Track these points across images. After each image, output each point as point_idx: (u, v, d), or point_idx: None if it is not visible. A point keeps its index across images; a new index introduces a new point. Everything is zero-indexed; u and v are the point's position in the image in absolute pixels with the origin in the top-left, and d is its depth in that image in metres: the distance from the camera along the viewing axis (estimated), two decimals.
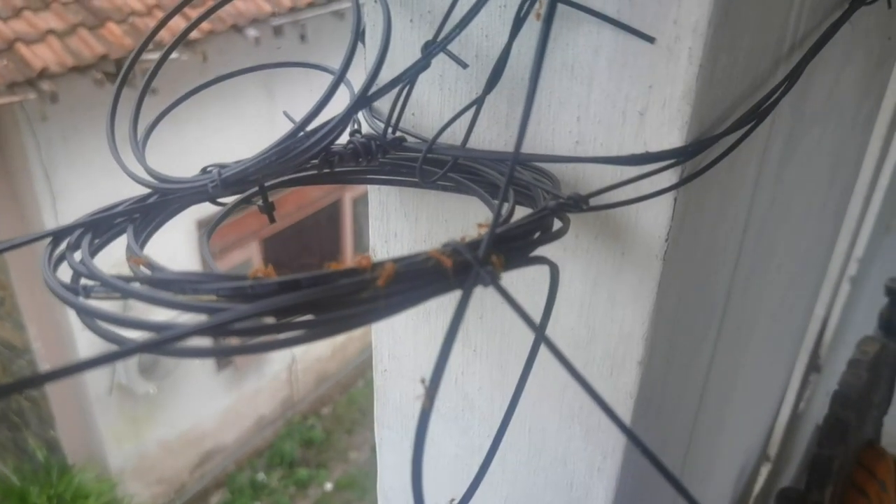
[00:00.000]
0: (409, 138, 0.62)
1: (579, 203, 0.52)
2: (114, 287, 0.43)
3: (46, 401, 4.50)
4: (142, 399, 4.72)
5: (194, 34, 3.85)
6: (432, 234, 0.69)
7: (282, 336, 0.42)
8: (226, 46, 3.99)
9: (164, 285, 0.44)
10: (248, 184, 0.55)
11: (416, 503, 0.51)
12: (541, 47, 0.49)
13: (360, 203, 5.84)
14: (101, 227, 0.52)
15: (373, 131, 0.62)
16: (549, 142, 0.59)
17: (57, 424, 4.58)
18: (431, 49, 0.55)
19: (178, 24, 3.91)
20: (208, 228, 0.53)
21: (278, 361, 5.63)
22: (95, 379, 4.49)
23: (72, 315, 3.58)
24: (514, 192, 0.56)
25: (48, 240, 0.52)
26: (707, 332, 0.78)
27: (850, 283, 1.31)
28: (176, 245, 4.50)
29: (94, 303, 0.45)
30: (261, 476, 5.39)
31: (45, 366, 4.26)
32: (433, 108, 0.64)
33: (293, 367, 5.75)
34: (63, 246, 0.50)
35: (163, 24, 0.68)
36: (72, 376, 0.35)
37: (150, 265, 0.45)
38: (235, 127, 4.54)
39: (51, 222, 3.95)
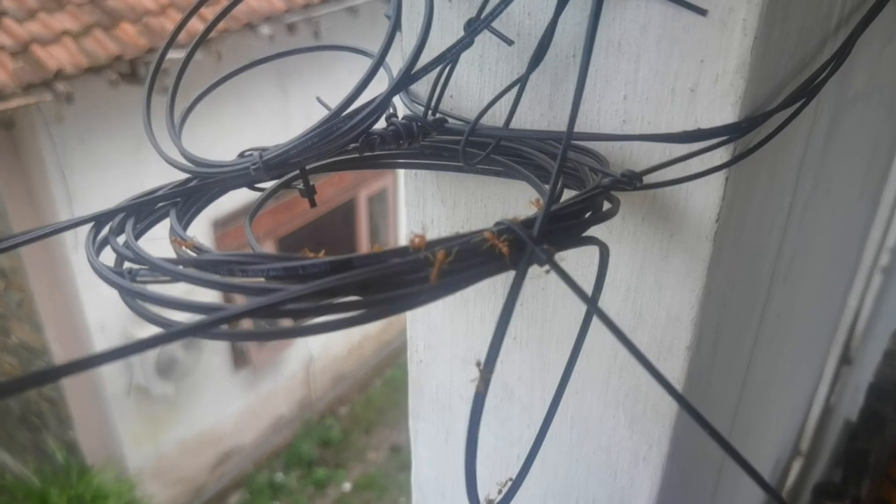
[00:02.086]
0: (450, 120, 0.60)
1: (633, 180, 0.50)
2: (162, 269, 0.41)
3: (65, 402, 4.51)
4: (160, 400, 4.73)
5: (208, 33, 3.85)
6: (471, 221, 0.68)
7: (337, 317, 0.40)
8: (240, 45, 3.98)
9: (213, 267, 0.42)
10: (289, 167, 0.53)
11: (470, 495, 0.50)
12: (593, 22, 0.47)
13: (376, 201, 5.83)
14: (143, 212, 0.51)
15: (411, 115, 0.61)
16: (595, 121, 0.58)
17: (76, 425, 4.59)
18: (476, 26, 0.54)
19: (192, 24, 3.92)
20: (251, 212, 0.52)
21: (295, 361, 5.63)
22: (113, 380, 4.50)
23: (89, 316, 3.59)
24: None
25: (88, 226, 0.51)
26: (751, 318, 0.76)
27: (882, 274, 1.28)
28: None
29: (140, 286, 0.44)
30: (279, 476, 5.39)
31: None
32: (473, 89, 0.63)
33: (310, 366, 5.75)
34: (105, 230, 0.49)
35: (185, 22, 0.67)
36: (120, 360, 0.34)
37: (197, 247, 0.44)
38: (250, 127, 4.54)
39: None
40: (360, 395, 6.10)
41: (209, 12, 4.00)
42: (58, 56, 3.54)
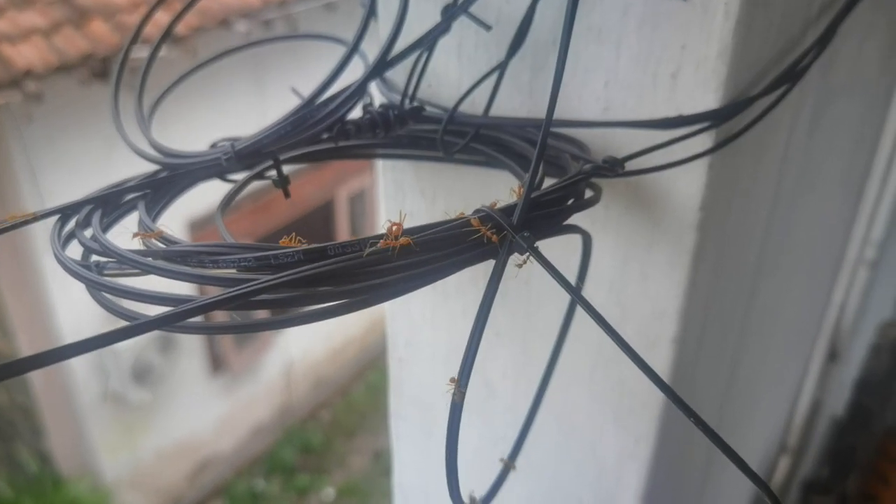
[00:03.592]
0: (428, 109, 0.59)
1: (615, 166, 0.49)
2: (131, 262, 0.40)
3: (38, 411, 4.43)
4: (136, 407, 4.66)
5: (182, 30, 3.80)
6: (450, 213, 0.66)
7: (312, 308, 0.39)
8: (215, 42, 3.94)
9: (182, 258, 0.41)
10: (262, 157, 0.52)
11: (452, 495, 0.49)
12: (571, 8, 0.46)
13: (357, 201, 5.79)
14: (110, 204, 0.49)
15: (387, 104, 0.59)
16: (576, 108, 0.57)
17: (49, 435, 4.51)
18: (452, 12, 0.52)
19: (159, 18, 3.86)
20: (222, 203, 0.50)
21: (275, 366, 5.58)
22: (88, 387, 4.43)
23: (62, 321, 3.52)
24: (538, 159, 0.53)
25: (53, 220, 0.49)
26: (736, 312, 0.75)
27: (867, 268, 1.28)
28: None
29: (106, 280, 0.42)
30: (260, 484, 5.33)
31: (34, 374, 4.21)
32: (451, 77, 0.61)
33: (290, 371, 5.70)
34: (72, 223, 0.47)
35: (148, 16, 0.65)
36: (86, 352, 0.32)
37: (166, 239, 0.42)
38: (225, 125, 4.48)
39: (39, 225, 3.90)
40: (341, 399, 6.06)
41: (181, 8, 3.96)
42: (26, 54, 3.46)
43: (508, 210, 0.43)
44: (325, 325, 5.87)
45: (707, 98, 0.52)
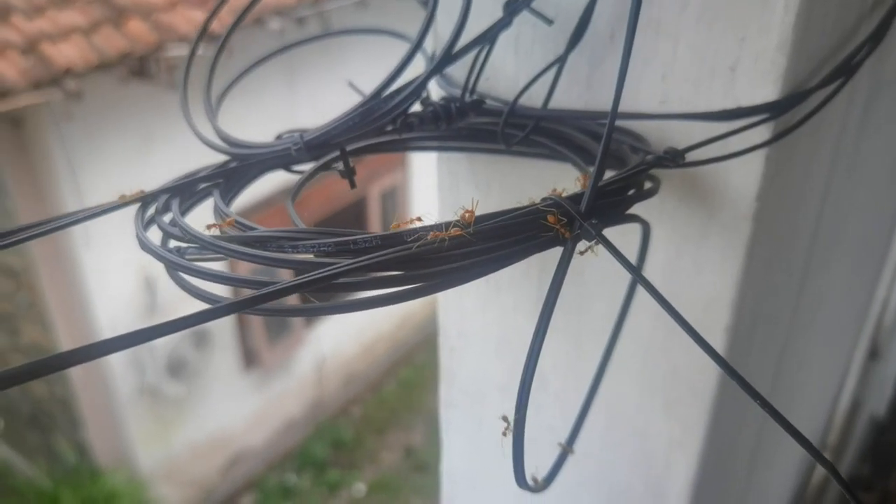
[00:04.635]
0: (487, 102, 0.60)
1: (676, 157, 0.50)
2: (214, 247, 0.41)
3: (76, 403, 4.52)
4: (171, 400, 4.73)
5: (217, 28, 3.85)
6: (504, 204, 0.68)
7: (391, 291, 0.40)
8: (249, 39, 3.98)
9: (261, 243, 0.42)
10: (330, 148, 0.53)
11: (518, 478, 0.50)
12: (636, 2, 0.47)
13: (388, 198, 5.82)
14: (185, 193, 0.51)
15: (448, 97, 0.61)
16: (633, 102, 0.58)
17: (87, 426, 4.59)
18: (515, 7, 0.54)
19: (195, 16, 3.91)
20: (293, 192, 0.52)
21: (307, 362, 5.63)
22: (125, 380, 4.50)
23: (100, 316, 3.57)
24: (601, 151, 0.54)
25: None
26: (786, 305, 0.75)
27: None
28: None
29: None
30: (291, 478, 5.39)
31: (73, 367, 4.27)
32: (508, 71, 0.62)
33: (322, 367, 5.75)
34: (152, 210, 0.49)
35: (217, 10, 0.67)
36: (164, 336, 0.34)
37: (243, 225, 0.44)
38: (256, 122, 4.52)
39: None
40: (372, 395, 6.09)
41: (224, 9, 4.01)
42: (67, 53, 3.52)
43: (575, 198, 0.45)
44: (356, 321, 5.92)
45: (765, 90, 0.53)
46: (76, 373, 4.36)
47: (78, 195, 3.92)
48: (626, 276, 0.62)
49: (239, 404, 5.28)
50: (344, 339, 5.91)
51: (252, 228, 0.44)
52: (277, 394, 5.53)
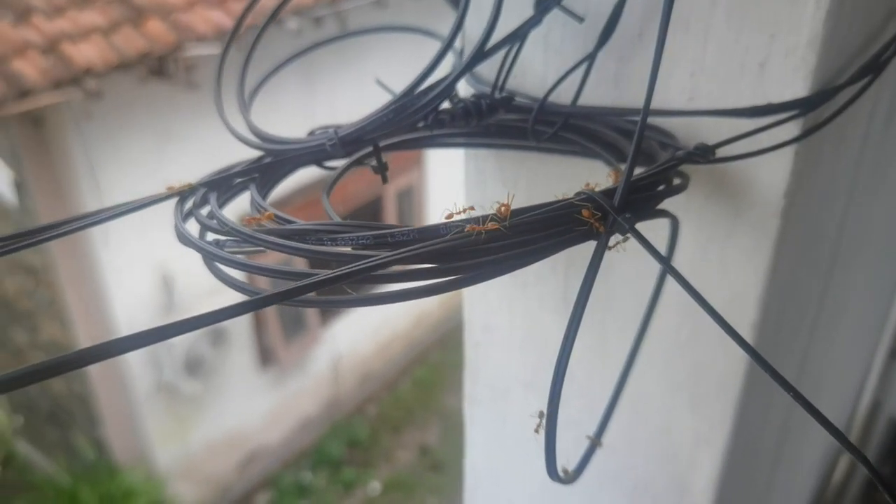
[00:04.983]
0: (516, 99, 0.61)
1: (707, 153, 0.51)
2: (255, 240, 0.42)
3: (95, 400, 4.56)
4: (187, 398, 4.77)
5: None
6: (531, 200, 0.68)
7: (428, 283, 0.41)
8: (267, 39, 4.00)
9: (300, 236, 0.43)
10: (363, 144, 0.54)
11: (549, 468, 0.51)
12: (668, 1, 0.47)
13: (404, 197, 5.83)
14: (221, 187, 0.52)
15: (479, 93, 0.61)
16: (661, 98, 0.58)
17: (105, 423, 4.63)
18: (546, 5, 0.54)
19: (213, 16, 3.94)
20: (327, 187, 0.53)
21: (323, 360, 5.65)
22: (142, 377, 4.54)
23: (118, 313, 3.59)
24: (629, 147, 0.55)
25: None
26: (811, 302, 0.76)
27: None
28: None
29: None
30: (307, 476, 5.41)
31: (93, 366, 4.33)
32: (537, 69, 0.63)
33: (338, 365, 5.77)
34: (189, 204, 0.50)
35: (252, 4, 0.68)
36: (199, 328, 0.34)
37: (282, 218, 0.45)
38: (276, 121, 4.54)
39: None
40: (388, 394, 6.11)
41: (238, 7, 4.04)
42: (87, 53, 3.56)
43: (608, 193, 0.45)
44: (371, 320, 5.93)
45: (795, 87, 0.53)
46: (94, 370, 4.40)
47: (97, 193, 3.96)
48: (653, 273, 0.63)
49: (255, 402, 5.31)
50: (360, 337, 5.93)
51: (291, 222, 0.45)
52: (293, 392, 5.55)
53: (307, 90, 4.73)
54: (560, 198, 0.46)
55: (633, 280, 0.66)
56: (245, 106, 0.58)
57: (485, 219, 0.40)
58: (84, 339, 4.37)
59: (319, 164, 0.58)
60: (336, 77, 4.73)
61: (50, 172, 3.97)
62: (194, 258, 0.46)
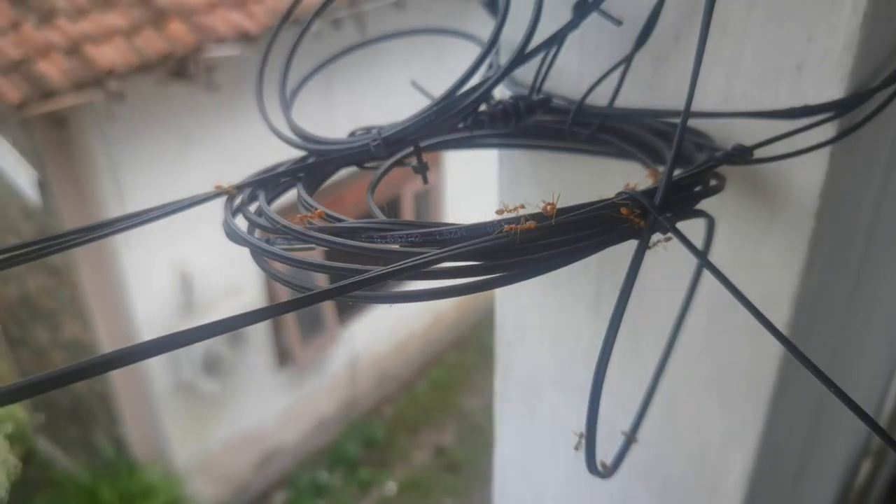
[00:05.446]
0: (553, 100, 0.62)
1: (745, 154, 0.51)
2: (307, 236, 0.43)
3: (115, 398, 4.60)
4: (206, 397, 4.80)
5: (255, 29, 3.91)
6: (565, 201, 0.69)
7: (478, 279, 0.42)
8: (285, 41, 4.03)
9: (350, 234, 0.44)
10: (405, 144, 0.55)
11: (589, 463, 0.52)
12: (709, 3, 0.48)
13: (422, 199, 5.85)
14: (268, 186, 0.53)
15: (517, 95, 0.62)
16: (697, 99, 0.59)
17: (125, 421, 4.68)
18: (585, 8, 0.55)
19: (234, 18, 3.97)
20: (371, 185, 0.54)
21: (339, 360, 5.67)
22: (162, 376, 4.58)
23: (138, 312, 3.63)
24: (666, 148, 0.56)
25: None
26: (841, 303, 0.76)
27: None
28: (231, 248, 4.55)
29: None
30: (323, 476, 5.44)
31: None
32: (572, 72, 0.64)
33: (355, 366, 5.79)
34: (237, 202, 0.51)
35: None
36: (256, 323, 0.35)
37: (332, 217, 0.46)
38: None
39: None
40: (404, 394, 6.13)
41: (256, 9, 4.07)
42: (109, 54, 3.60)
43: (649, 193, 0.46)
44: (388, 321, 5.95)
45: (832, 89, 0.54)
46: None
47: (118, 194, 4.00)
48: (683, 272, 0.64)
49: (272, 402, 5.34)
50: (376, 338, 5.95)
51: (341, 220, 0.46)
52: (310, 392, 5.58)
53: (326, 93, 4.76)
54: (600, 198, 0.47)
55: (665, 278, 0.67)
56: (287, 106, 0.59)
57: (531, 217, 0.41)
58: (105, 337, 4.42)
59: (360, 164, 0.59)
60: (352, 81, 4.75)
61: (72, 173, 4.01)
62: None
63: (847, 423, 1.16)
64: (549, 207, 0.43)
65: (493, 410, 0.86)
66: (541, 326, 0.77)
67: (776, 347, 0.64)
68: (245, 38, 3.92)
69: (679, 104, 0.61)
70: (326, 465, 5.52)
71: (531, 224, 0.43)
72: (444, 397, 6.02)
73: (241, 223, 0.51)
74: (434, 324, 6.37)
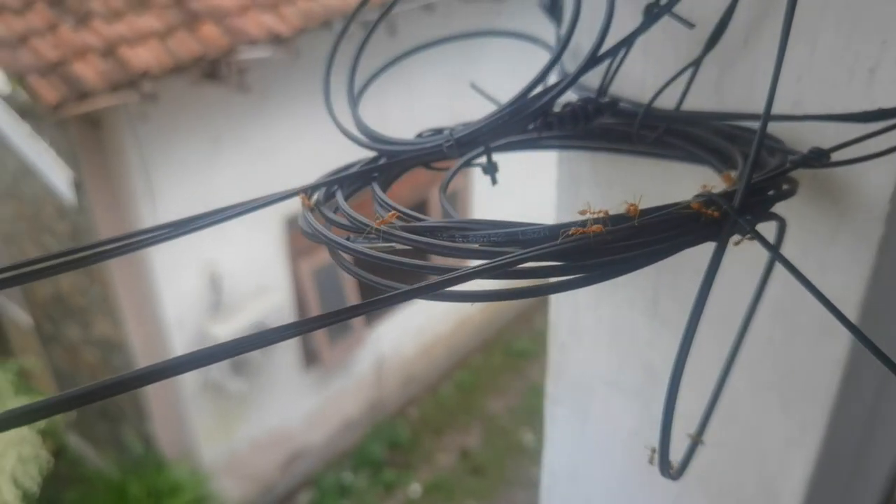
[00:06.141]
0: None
1: (821, 158, 0.51)
2: (390, 235, 0.44)
3: (144, 396, 4.65)
4: (233, 397, 4.84)
5: (286, 31, 3.94)
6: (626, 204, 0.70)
7: (563, 279, 0.42)
8: (318, 43, 4.05)
9: (431, 233, 0.45)
10: (476, 145, 0.56)
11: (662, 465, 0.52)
12: (790, 8, 0.48)
13: (450, 201, 5.84)
14: (343, 185, 0.54)
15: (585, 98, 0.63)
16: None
17: (153, 419, 4.72)
18: (658, 11, 0.55)
19: (266, 20, 4.00)
20: (443, 184, 0.54)
21: (366, 362, 5.69)
22: (190, 375, 4.61)
23: (168, 312, 3.66)
24: (737, 151, 0.56)
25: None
26: None
27: None
28: (264, 242, 4.59)
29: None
30: (348, 477, 5.45)
31: (140, 360, 4.41)
32: (635, 75, 0.64)
33: (381, 367, 5.81)
34: (312, 200, 0.52)
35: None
36: (327, 326, 0.36)
37: (411, 216, 0.47)
38: (322, 127, 4.59)
39: (150, 220, 4.07)
40: (430, 397, 6.13)
41: (287, 11, 4.10)
42: (143, 56, 3.64)
43: (728, 196, 0.46)
44: (414, 323, 5.96)
45: None
46: (143, 365, 4.48)
47: (150, 194, 4.04)
48: (747, 273, 0.64)
49: (299, 402, 5.37)
50: (403, 340, 5.96)
51: (420, 220, 0.46)
52: (336, 393, 5.60)
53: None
54: (663, 201, 0.48)
55: (724, 281, 0.67)
56: (355, 106, 0.60)
57: (611, 219, 0.42)
58: (134, 336, 4.46)
59: (427, 165, 0.59)
60: (381, 80, 4.76)
61: (105, 172, 4.06)
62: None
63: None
64: (631, 208, 0.43)
65: (517, 413, 0.86)
66: (596, 329, 0.77)
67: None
68: (276, 40, 3.95)
69: (745, 107, 0.61)
70: (351, 467, 5.54)
71: (597, 227, 0.43)
72: (469, 400, 6.02)
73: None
74: (460, 326, 6.38)
